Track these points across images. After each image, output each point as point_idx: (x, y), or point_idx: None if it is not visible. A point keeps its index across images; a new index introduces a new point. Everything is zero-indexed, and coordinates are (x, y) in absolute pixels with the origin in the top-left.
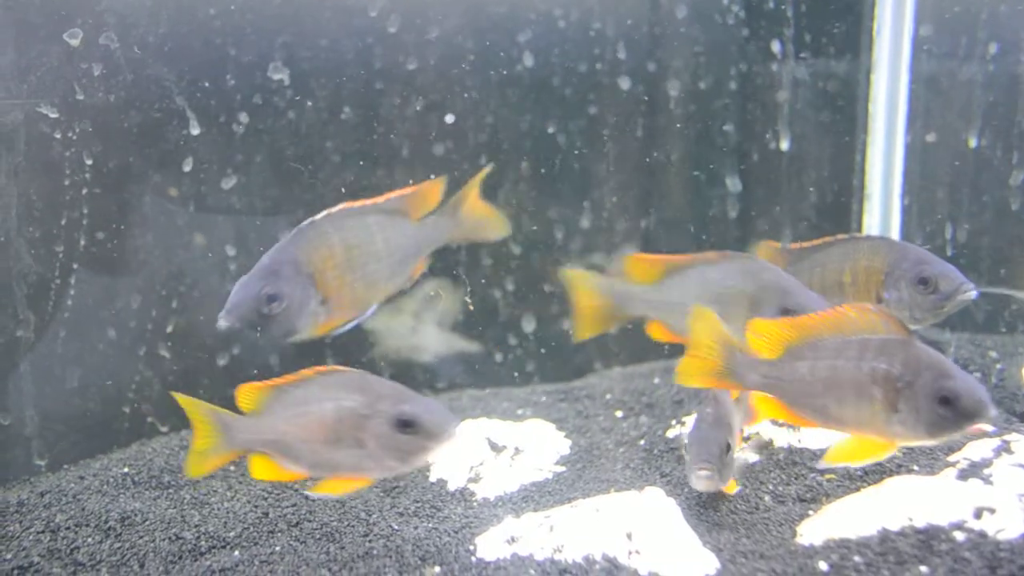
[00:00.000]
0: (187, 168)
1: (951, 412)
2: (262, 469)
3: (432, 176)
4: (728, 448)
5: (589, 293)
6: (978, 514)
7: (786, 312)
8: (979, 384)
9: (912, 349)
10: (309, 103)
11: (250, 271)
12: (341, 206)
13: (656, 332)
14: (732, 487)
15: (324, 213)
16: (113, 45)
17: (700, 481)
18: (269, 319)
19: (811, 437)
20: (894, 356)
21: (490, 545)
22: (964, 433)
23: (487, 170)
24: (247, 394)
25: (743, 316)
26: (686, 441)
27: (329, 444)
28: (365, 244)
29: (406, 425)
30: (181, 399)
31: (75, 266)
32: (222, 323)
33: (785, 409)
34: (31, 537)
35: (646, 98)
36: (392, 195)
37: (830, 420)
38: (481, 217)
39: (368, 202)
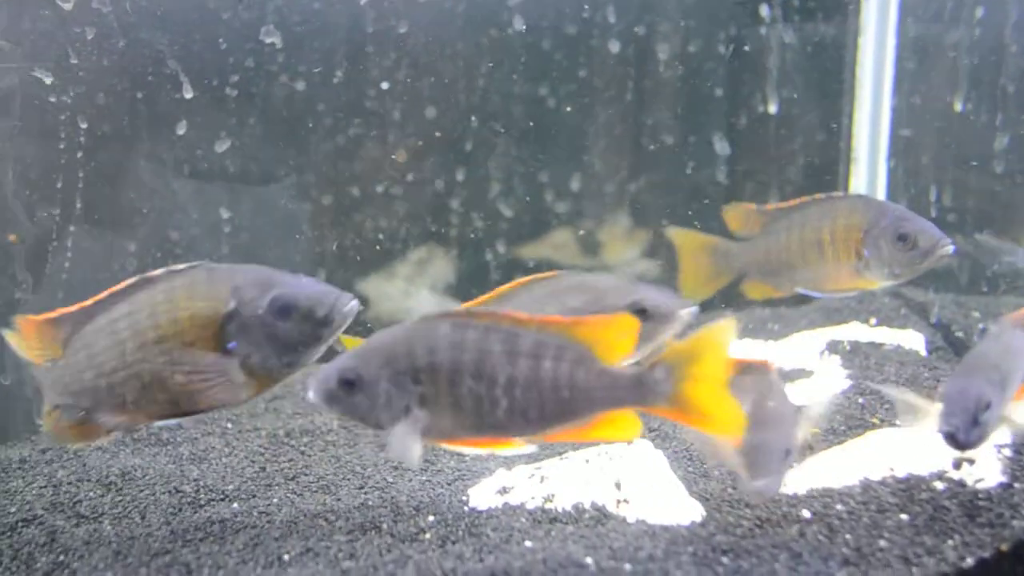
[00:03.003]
0: (181, 132)
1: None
2: None
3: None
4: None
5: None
6: (957, 464)
7: None
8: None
9: None
10: (301, 67)
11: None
12: None
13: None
14: None
15: None
16: (105, 9)
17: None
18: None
19: (797, 393)
20: None
21: (483, 496)
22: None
23: None
24: None
25: None
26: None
27: None
28: None
29: (640, 312)
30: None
31: (72, 228)
32: None
33: None
34: (34, 492)
35: (635, 62)
36: None
37: None
38: None
39: None
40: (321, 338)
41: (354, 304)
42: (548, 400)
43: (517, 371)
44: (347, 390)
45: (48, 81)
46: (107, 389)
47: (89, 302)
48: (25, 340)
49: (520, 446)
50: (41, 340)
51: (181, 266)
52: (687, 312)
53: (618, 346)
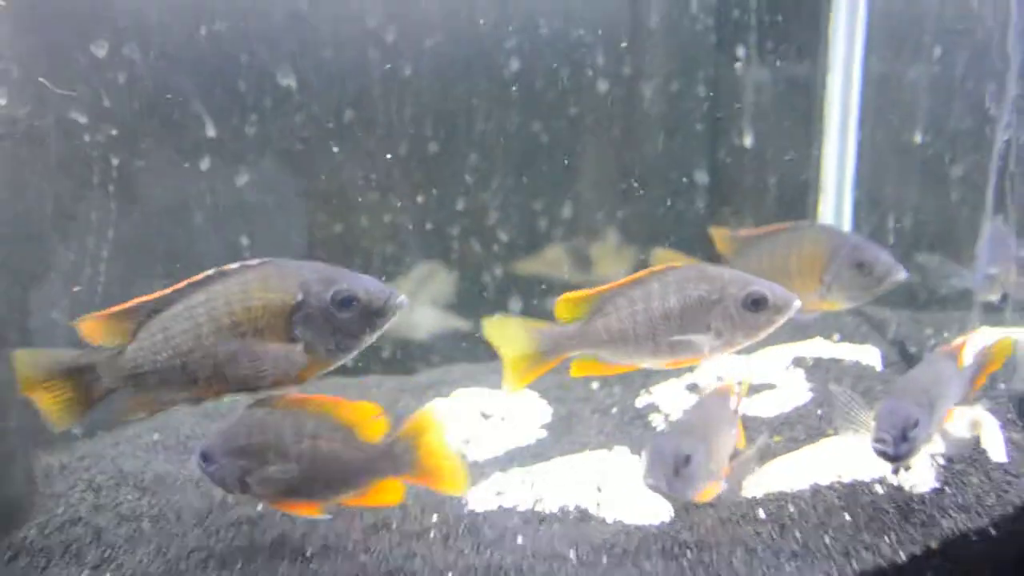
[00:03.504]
0: (204, 167)
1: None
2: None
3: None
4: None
5: None
6: (896, 471)
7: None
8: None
9: None
10: (314, 107)
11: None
12: None
13: None
14: (707, 495)
15: None
16: (135, 55)
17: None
18: None
19: (763, 406)
20: None
21: (480, 498)
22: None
23: None
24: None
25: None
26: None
27: (672, 331)
28: None
29: (757, 304)
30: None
31: (104, 255)
32: None
33: None
34: (76, 495)
35: (623, 99)
36: None
37: None
38: None
39: None
40: (375, 327)
41: (404, 300)
42: (328, 472)
43: (303, 449)
44: (205, 463)
45: (83, 121)
46: (181, 368)
47: (168, 290)
48: (91, 340)
49: (322, 512)
50: (108, 334)
51: (254, 261)
52: (797, 304)
53: (373, 426)
